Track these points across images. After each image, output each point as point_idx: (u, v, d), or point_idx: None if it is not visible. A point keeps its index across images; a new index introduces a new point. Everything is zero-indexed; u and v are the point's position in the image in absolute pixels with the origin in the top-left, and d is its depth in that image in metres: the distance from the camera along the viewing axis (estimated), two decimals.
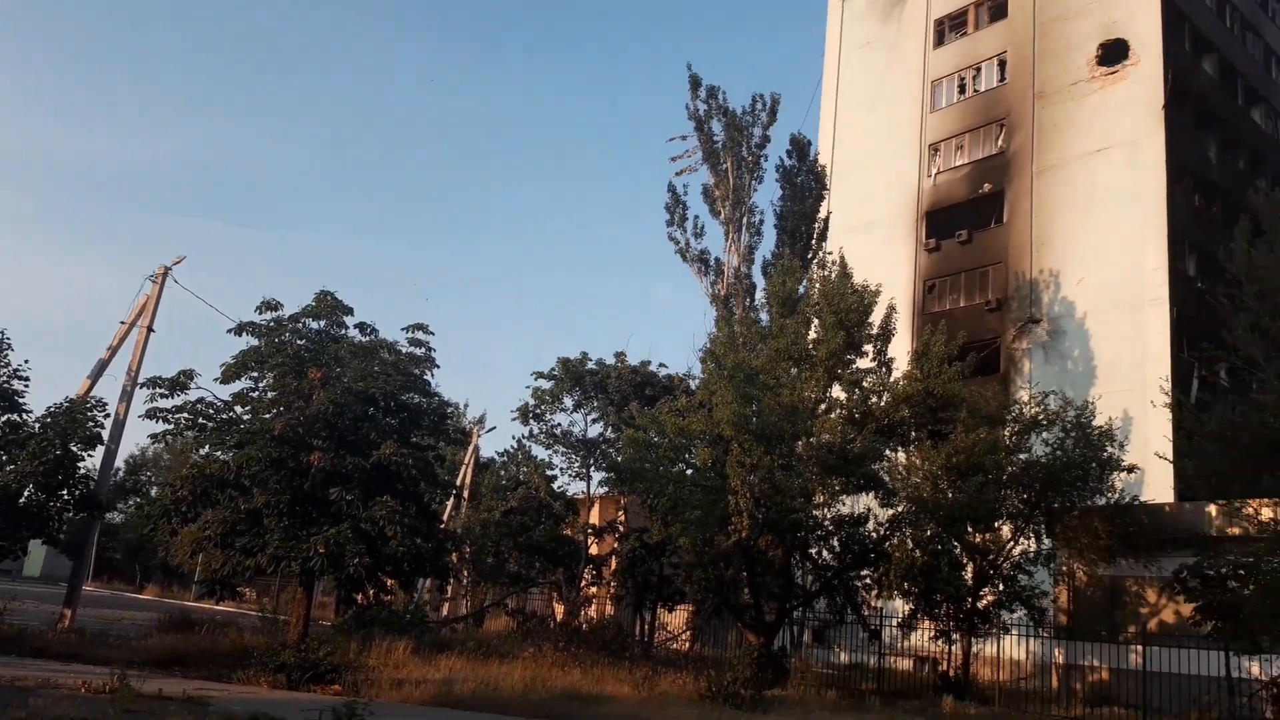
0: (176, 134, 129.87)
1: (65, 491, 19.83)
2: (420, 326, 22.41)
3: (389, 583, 21.22)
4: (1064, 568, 24.12)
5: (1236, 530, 13.93)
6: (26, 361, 20.48)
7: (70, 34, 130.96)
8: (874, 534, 21.34)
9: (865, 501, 21.44)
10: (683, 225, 36.22)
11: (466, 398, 69.37)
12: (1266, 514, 13.38)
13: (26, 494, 19.22)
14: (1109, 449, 21.91)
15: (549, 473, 27.81)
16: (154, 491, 44.56)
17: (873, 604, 22.82)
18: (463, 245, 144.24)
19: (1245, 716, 18.43)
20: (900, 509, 21.04)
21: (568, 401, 28.93)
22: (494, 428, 58.57)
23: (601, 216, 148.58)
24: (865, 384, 22.10)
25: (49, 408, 20.35)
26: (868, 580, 22.16)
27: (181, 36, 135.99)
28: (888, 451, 21.89)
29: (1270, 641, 13.10)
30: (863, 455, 20.25)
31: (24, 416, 20.24)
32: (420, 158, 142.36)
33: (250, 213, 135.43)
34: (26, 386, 20.52)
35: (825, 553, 21.97)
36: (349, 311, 22.46)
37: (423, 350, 22.40)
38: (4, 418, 20.06)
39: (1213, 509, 19.58)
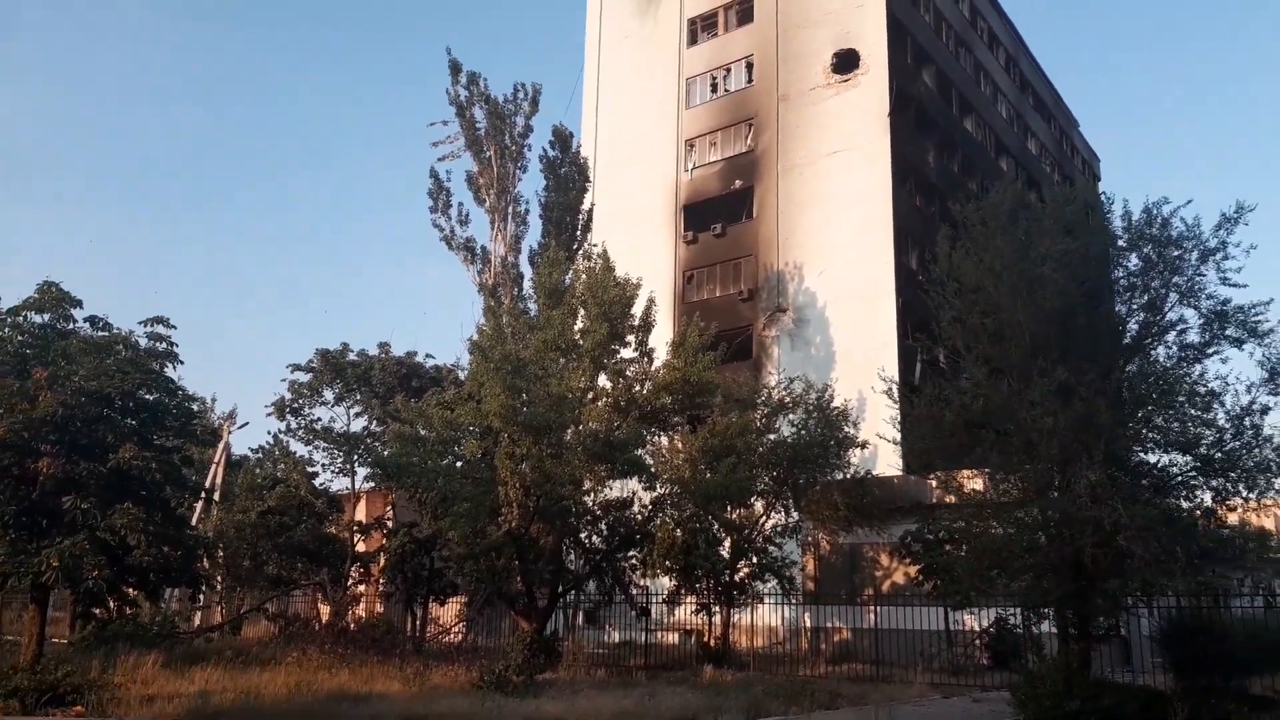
0: None
1: None
2: (160, 320, 20.88)
3: (133, 594, 19.74)
4: (809, 538, 26.38)
5: (951, 499, 15.90)
6: None
7: None
8: (639, 516, 22.31)
9: (631, 485, 22.38)
10: (446, 212, 35.86)
11: (214, 392, 64.73)
12: (970, 485, 15.37)
13: None
14: (845, 428, 24.17)
15: (310, 469, 26.77)
16: None
17: (640, 583, 23.88)
18: (214, 230, 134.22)
19: (962, 663, 21.05)
20: (663, 491, 22.13)
21: (328, 395, 27.94)
22: (248, 423, 55.37)
23: (366, 202, 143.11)
24: (629, 373, 22.98)
25: None
26: (634, 560, 23.16)
27: None
28: (651, 437, 22.95)
29: (979, 597, 15.11)
30: (626, 442, 21.09)
31: None
32: (161, 125, 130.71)
33: None
34: None
35: (594, 537, 22.72)
36: (77, 304, 20.51)
37: (164, 345, 20.94)
38: None
39: (933, 481, 22.17)
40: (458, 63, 35.83)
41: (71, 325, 20.55)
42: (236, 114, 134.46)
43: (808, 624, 26.61)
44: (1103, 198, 15.92)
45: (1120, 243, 14.48)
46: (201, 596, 25.12)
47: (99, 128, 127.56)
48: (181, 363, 20.97)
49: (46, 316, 20.28)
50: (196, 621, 26.44)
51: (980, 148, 42.94)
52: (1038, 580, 13.36)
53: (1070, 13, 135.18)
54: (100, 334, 20.68)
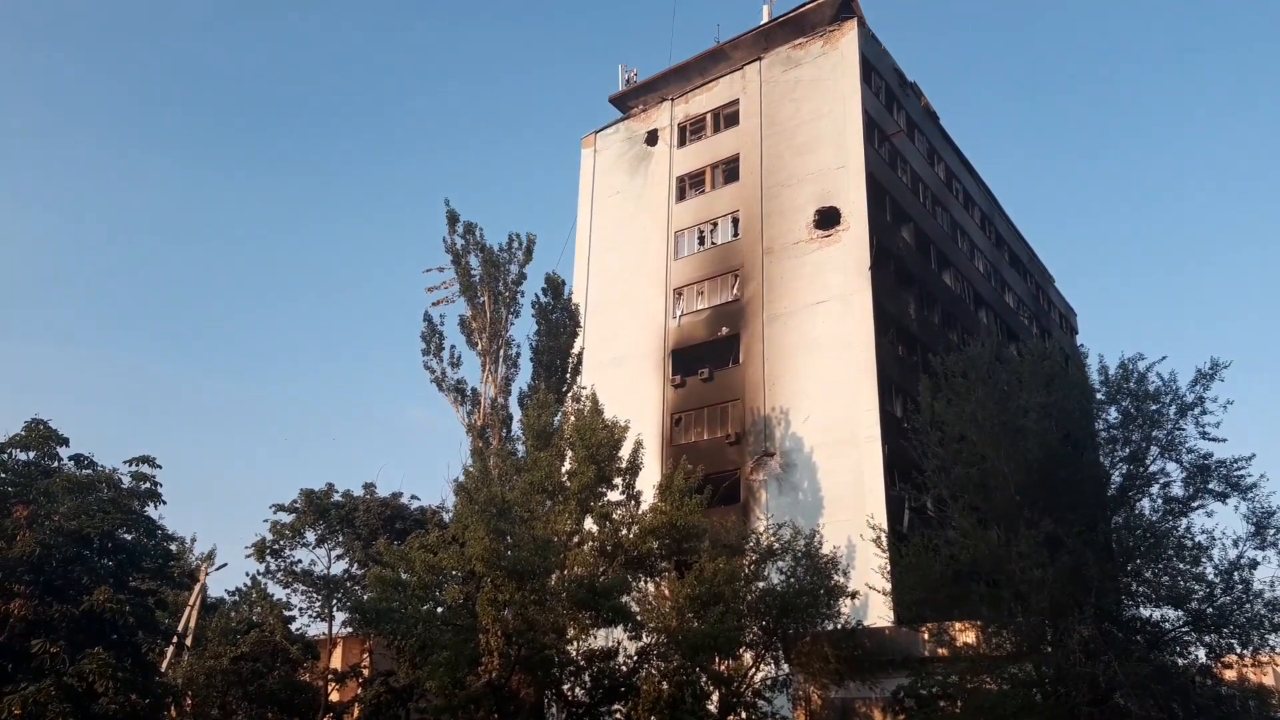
0: None
1: None
2: (146, 459, 20.91)
3: None
4: (800, 692, 25.57)
5: (944, 652, 15.60)
6: None
7: None
8: (624, 667, 21.71)
9: (616, 634, 21.87)
10: (439, 355, 36.31)
11: (194, 531, 63.41)
12: (963, 638, 15.14)
13: None
14: (835, 576, 23.83)
15: (287, 613, 26.09)
16: None
17: None
18: (200, 363, 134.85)
19: None
20: (649, 640, 21.62)
21: (310, 536, 27.59)
22: (225, 564, 53.94)
23: (352, 340, 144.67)
24: (615, 516, 22.84)
25: None
26: (619, 715, 22.37)
27: None
28: (637, 583, 22.58)
29: None
30: (611, 588, 20.76)
31: None
32: (151, 260, 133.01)
33: None
34: None
35: (578, 689, 22.02)
36: (64, 442, 20.61)
37: (147, 485, 20.84)
38: None
39: (925, 634, 21.77)
40: (455, 213, 37.00)
41: (56, 463, 20.54)
42: (233, 250, 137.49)
43: None
44: (1080, 350, 16.38)
45: (1099, 396, 14.85)
46: None
47: (85, 260, 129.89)
48: (164, 502, 20.89)
49: (32, 454, 20.30)
50: None
51: (959, 300, 44.18)
52: None
53: (1044, 172, 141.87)
54: (84, 472, 20.64)
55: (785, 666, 24.20)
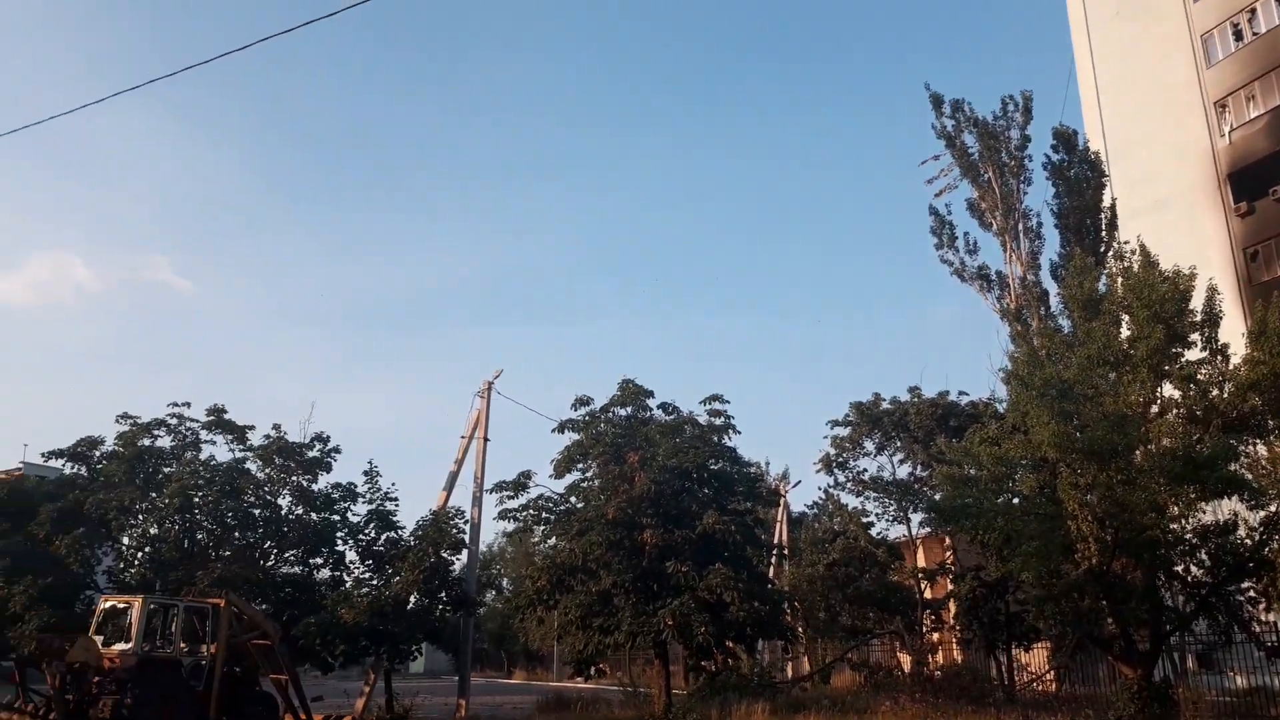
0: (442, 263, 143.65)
1: (443, 593, 22.35)
2: (716, 397, 23.37)
3: (731, 648, 21.84)
4: None
5: None
6: (394, 484, 23.69)
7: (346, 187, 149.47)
8: (1247, 540, 19.20)
9: (1229, 506, 19.40)
10: (953, 245, 35.17)
11: (766, 455, 69.77)
12: None
13: (412, 600, 21.86)
14: None
15: (865, 520, 27.49)
16: (505, 583, 48.81)
17: (1263, 618, 20.40)
18: (727, 304, 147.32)
19: None
20: (1274, 509, 18.82)
21: (869, 445, 28.58)
22: (799, 482, 58.62)
23: (856, 249, 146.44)
24: (1200, 376, 20.15)
25: (418, 521, 23.18)
26: (1251, 593, 19.88)
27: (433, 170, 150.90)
28: (1243, 447, 19.74)
29: None
30: (1215, 457, 18.39)
31: (399, 532, 23.22)
32: (638, 209, 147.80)
33: (534, 313, 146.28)
34: (397, 506, 23.64)
35: (1194, 568, 19.99)
36: (650, 394, 23.90)
37: (721, 420, 23.31)
38: (385, 535, 23.10)
39: None
40: (939, 95, 35.44)
41: (648, 413, 23.92)
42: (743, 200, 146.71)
43: None
44: None
45: None
46: (792, 648, 26.87)
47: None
48: (739, 433, 23.19)
49: (629, 409, 23.87)
50: (789, 672, 28.32)
51: None
52: None
53: None
54: (670, 418, 23.76)
55: None
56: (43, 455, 24.03)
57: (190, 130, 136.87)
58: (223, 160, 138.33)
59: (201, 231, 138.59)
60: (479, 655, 55.11)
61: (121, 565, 23.33)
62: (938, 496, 24.34)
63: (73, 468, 23.46)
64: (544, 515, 21.81)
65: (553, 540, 22.07)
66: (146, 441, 23.61)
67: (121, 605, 17.99)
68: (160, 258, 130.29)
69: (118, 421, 23.83)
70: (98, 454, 23.55)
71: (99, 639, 17.53)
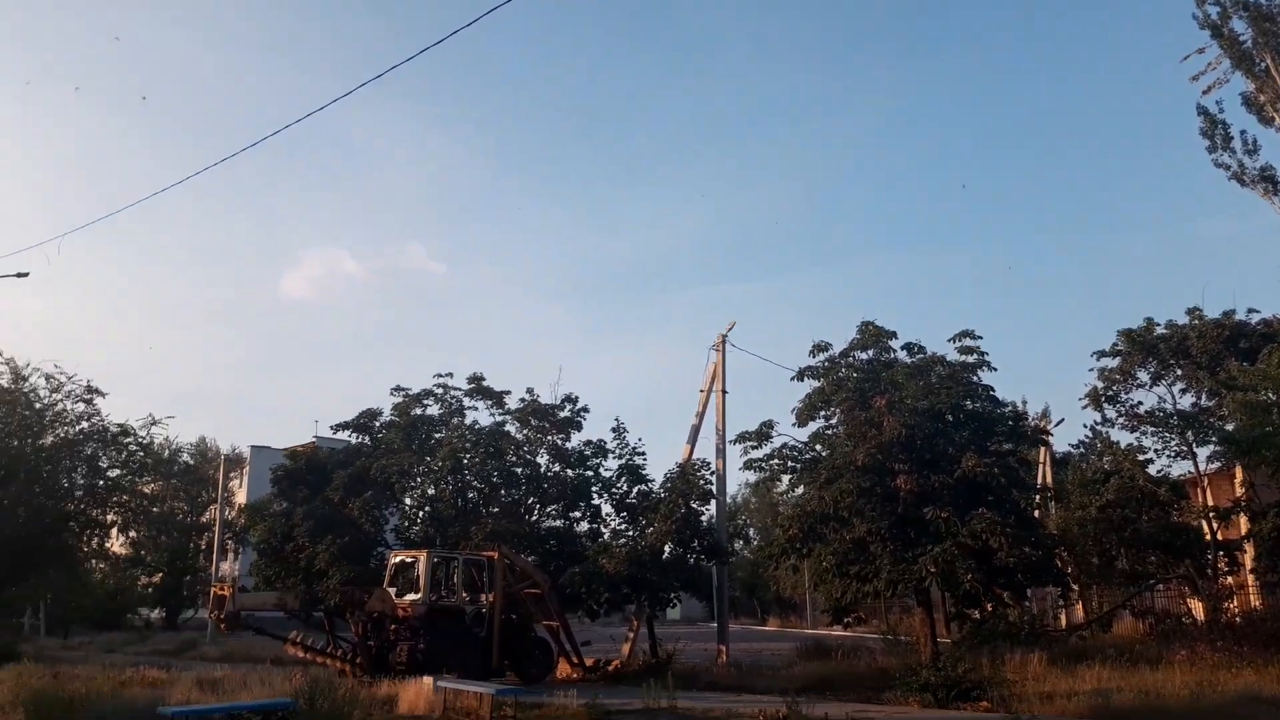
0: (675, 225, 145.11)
1: (695, 543, 22.82)
2: (967, 333, 22.13)
3: (999, 594, 20.79)
4: None
5: None
6: (640, 439, 24.38)
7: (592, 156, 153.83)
8: None
9: None
10: (1228, 147, 30.96)
11: (1023, 393, 65.65)
12: None
13: (667, 550, 22.48)
14: None
15: (1141, 457, 25.16)
16: (751, 533, 49.41)
17: None
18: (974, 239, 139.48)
19: None
20: None
21: (1142, 376, 26.09)
22: (1063, 420, 54.62)
23: (1099, 164, 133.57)
24: None
25: (665, 474, 23.78)
26: None
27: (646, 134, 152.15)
28: None
29: None
30: None
31: (649, 485, 23.92)
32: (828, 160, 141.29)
33: (756, 266, 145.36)
34: (645, 461, 24.36)
35: None
36: (893, 335, 23.00)
37: (974, 357, 22.04)
38: (636, 488, 23.87)
39: None
40: None
41: (891, 355, 23.05)
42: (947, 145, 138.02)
43: None
44: None
45: None
46: (1066, 595, 25.30)
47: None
48: (994, 369, 21.85)
49: (870, 352, 23.12)
50: (1062, 621, 26.68)
51: None
52: None
53: None
54: (916, 358, 22.76)
55: None
56: (331, 428, 26.97)
57: (425, 117, 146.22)
58: (456, 143, 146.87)
59: (446, 216, 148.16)
60: (733, 603, 55.97)
61: (405, 523, 25.85)
62: (1230, 427, 21.95)
63: (357, 438, 26.02)
64: (789, 464, 21.65)
65: (800, 489, 21.88)
66: (418, 411, 25.84)
67: (409, 559, 19.82)
68: (415, 245, 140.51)
69: (392, 394, 26.25)
70: (377, 424, 26.01)
71: (392, 590, 19.46)
